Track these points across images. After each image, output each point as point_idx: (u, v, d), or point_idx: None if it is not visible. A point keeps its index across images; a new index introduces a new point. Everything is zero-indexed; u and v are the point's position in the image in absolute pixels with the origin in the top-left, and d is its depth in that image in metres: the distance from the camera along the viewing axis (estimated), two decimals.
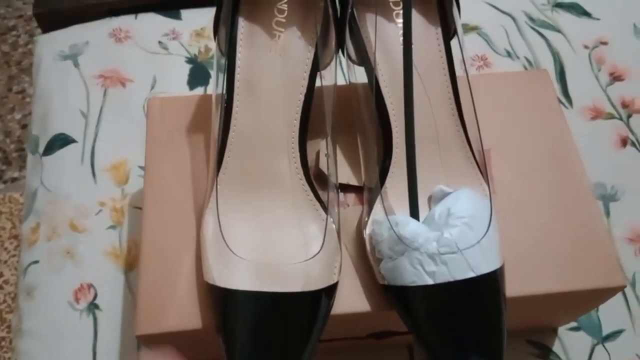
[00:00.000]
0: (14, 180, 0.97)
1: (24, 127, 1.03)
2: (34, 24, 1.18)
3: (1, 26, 1.20)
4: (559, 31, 0.54)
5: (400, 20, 0.32)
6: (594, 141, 0.47)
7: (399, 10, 0.32)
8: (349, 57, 0.33)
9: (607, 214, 0.44)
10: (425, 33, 0.32)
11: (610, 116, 0.49)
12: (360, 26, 0.31)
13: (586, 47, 0.53)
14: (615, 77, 0.51)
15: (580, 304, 0.35)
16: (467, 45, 0.33)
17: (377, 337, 0.36)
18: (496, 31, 0.53)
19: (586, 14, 0.55)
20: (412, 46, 0.28)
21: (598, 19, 0.54)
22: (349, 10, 0.30)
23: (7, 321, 0.84)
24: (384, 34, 0.31)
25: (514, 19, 0.54)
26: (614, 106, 0.49)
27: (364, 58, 0.31)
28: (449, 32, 0.32)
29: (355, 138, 0.34)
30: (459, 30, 0.31)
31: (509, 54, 0.52)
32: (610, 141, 0.47)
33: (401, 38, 0.31)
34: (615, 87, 0.50)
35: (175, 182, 0.34)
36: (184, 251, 0.31)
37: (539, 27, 0.54)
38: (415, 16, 0.31)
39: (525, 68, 0.51)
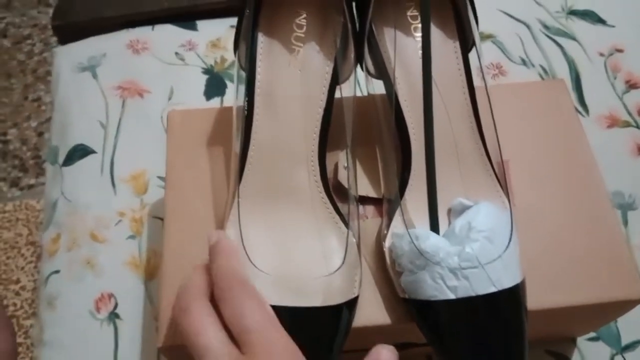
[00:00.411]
0: (30, 187, 0.99)
1: (40, 134, 1.05)
2: (49, 33, 1.20)
3: (16, 35, 1.22)
4: (574, 39, 0.53)
5: (418, 34, 0.32)
6: (611, 149, 0.47)
7: (416, 24, 0.32)
8: (368, 71, 0.33)
9: (625, 222, 0.44)
10: (444, 46, 0.32)
11: (627, 124, 0.48)
12: (378, 40, 0.32)
13: (601, 54, 0.52)
14: (631, 85, 0.50)
15: (600, 315, 0.35)
16: (483, 54, 0.33)
17: (397, 348, 0.36)
18: (511, 39, 0.53)
19: (601, 21, 0.55)
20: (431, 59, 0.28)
21: (613, 26, 0.54)
22: (368, 25, 0.31)
23: (25, 327, 0.85)
24: (402, 47, 0.31)
25: (528, 27, 0.54)
26: (630, 114, 0.49)
27: (382, 72, 0.32)
28: (467, 44, 0.32)
29: (374, 150, 0.34)
30: (477, 41, 0.32)
31: (524, 62, 0.52)
32: (627, 149, 0.47)
33: (419, 51, 0.31)
34: (632, 95, 0.50)
35: (196, 193, 0.34)
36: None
37: (554, 34, 0.54)
38: (434, 30, 0.31)
39: (541, 76, 0.51)
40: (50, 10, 1.27)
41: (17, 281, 0.89)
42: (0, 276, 0.89)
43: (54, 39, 1.21)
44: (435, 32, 0.31)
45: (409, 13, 0.32)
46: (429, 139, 0.29)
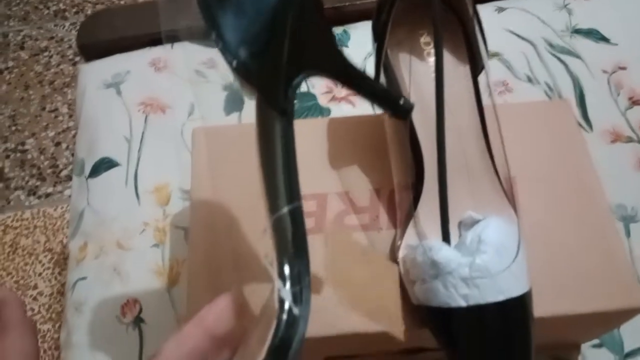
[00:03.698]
0: (47, 195, 1.01)
1: (58, 144, 1.08)
2: (66, 45, 1.24)
3: (34, 47, 1.26)
4: (578, 57, 0.55)
5: (430, 59, 0.34)
6: (615, 164, 0.49)
7: (429, 49, 0.34)
8: None
9: (628, 234, 0.46)
10: (455, 70, 0.34)
11: (630, 139, 0.50)
12: (393, 65, 0.34)
13: (605, 72, 0.54)
14: (634, 102, 0.52)
15: (603, 323, 0.37)
16: (490, 72, 0.35)
17: (409, 352, 0.38)
18: (517, 57, 0.55)
19: (604, 39, 0.57)
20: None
21: (616, 44, 0.56)
22: (384, 51, 0.33)
23: (42, 332, 0.87)
24: (416, 71, 0.34)
25: (533, 45, 0.56)
26: (633, 130, 0.51)
27: (397, 93, 0.34)
28: (476, 68, 0.34)
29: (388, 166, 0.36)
30: (486, 65, 0.34)
31: (529, 80, 0.54)
32: (630, 164, 0.49)
33: (432, 75, 0.33)
34: (634, 111, 0.52)
35: (220, 208, 0.36)
36: (228, 277, 0.34)
37: (559, 52, 0.56)
38: (446, 55, 0.33)
39: (546, 93, 0.53)
40: (67, 24, 1.31)
41: (35, 287, 0.91)
42: (19, 282, 0.91)
43: (71, 52, 1.24)
44: (447, 57, 0.34)
45: (422, 40, 0.34)
46: (441, 156, 0.31)
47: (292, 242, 0.22)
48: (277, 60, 0.24)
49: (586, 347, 0.41)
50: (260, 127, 0.24)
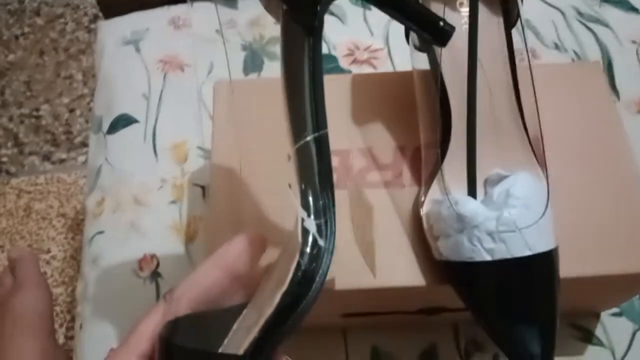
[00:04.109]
0: (62, 161, 1.02)
1: (72, 111, 1.08)
2: (81, 12, 1.23)
3: (49, 14, 1.25)
4: (606, 26, 0.54)
5: (463, 10, 0.33)
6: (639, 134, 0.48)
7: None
8: (414, 44, 0.34)
9: None
10: (488, 22, 0.33)
11: None
12: None
13: (634, 42, 0.53)
14: None
15: (623, 288, 0.36)
16: (516, 38, 0.34)
17: (427, 312, 0.37)
18: (545, 25, 0.54)
19: (633, 9, 0.55)
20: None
21: None
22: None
23: (55, 295, 0.88)
24: (448, 21, 0.33)
25: (562, 13, 0.55)
26: None
27: (427, 45, 0.33)
28: (510, 20, 0.33)
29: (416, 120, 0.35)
30: (522, 17, 0.33)
31: (557, 47, 0.53)
32: None
33: (464, 26, 0.33)
34: None
35: (242, 161, 0.36)
36: (247, 228, 0.33)
37: (587, 21, 0.54)
38: (479, 6, 0.32)
39: (573, 61, 0.52)
40: None
41: (48, 251, 0.92)
42: (32, 246, 0.92)
43: (86, 19, 1.24)
44: (481, 8, 0.32)
45: None
46: (472, 111, 0.30)
47: (317, 172, 0.21)
48: None
49: (605, 316, 0.41)
50: (286, 46, 0.23)
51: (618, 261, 0.32)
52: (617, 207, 0.34)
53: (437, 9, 0.33)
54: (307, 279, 0.20)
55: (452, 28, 0.24)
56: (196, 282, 0.24)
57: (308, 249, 0.20)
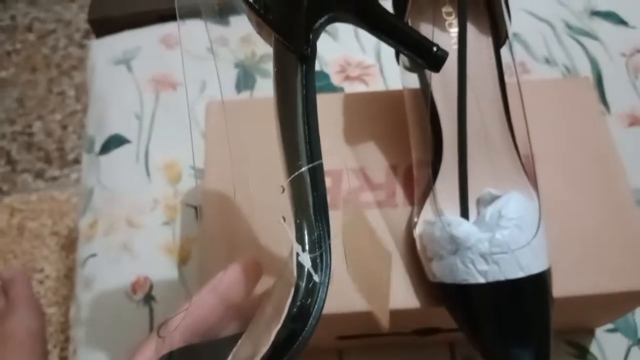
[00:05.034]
0: (54, 178, 1.01)
1: (65, 127, 1.07)
2: (73, 28, 1.23)
3: (41, 30, 1.25)
4: (596, 39, 0.54)
5: (452, 30, 0.33)
6: (632, 147, 0.48)
7: (451, 20, 0.33)
8: (404, 65, 0.35)
9: None
10: (477, 41, 0.33)
11: None
12: None
13: (623, 55, 0.53)
14: None
15: (619, 305, 0.36)
16: (506, 52, 0.34)
17: (421, 333, 0.37)
18: (534, 38, 0.54)
19: (623, 22, 0.56)
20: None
21: (634, 27, 0.55)
22: (406, 21, 0.32)
23: (48, 315, 0.87)
24: (437, 42, 0.33)
25: (552, 26, 0.55)
26: None
27: (417, 65, 0.33)
28: (499, 40, 0.33)
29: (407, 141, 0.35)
30: (510, 36, 0.33)
31: (547, 61, 0.53)
32: None
33: (454, 46, 0.33)
34: None
35: (234, 183, 0.36)
36: (241, 252, 0.33)
37: (577, 34, 0.55)
38: (468, 26, 0.32)
39: (564, 75, 0.52)
40: (75, 6, 1.30)
41: (42, 270, 0.91)
42: (26, 265, 0.91)
43: (78, 34, 1.24)
44: (470, 28, 0.33)
45: (443, 9, 0.33)
46: (462, 130, 0.30)
47: (312, 203, 0.21)
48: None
49: (600, 332, 0.41)
50: (279, 75, 0.22)
51: (612, 279, 0.32)
52: (610, 224, 0.34)
53: (426, 29, 0.33)
54: (303, 315, 0.20)
55: (446, 54, 0.24)
56: (191, 312, 0.24)
57: (303, 284, 0.20)
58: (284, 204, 0.21)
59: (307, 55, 0.22)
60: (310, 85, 0.22)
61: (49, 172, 1.02)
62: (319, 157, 0.21)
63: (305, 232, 0.20)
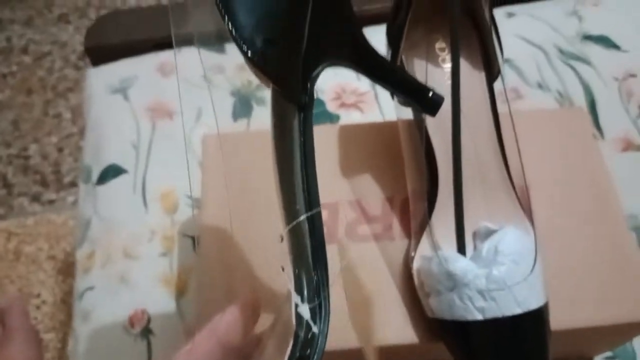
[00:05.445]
0: (51, 202, 1.01)
1: (61, 150, 1.07)
2: (69, 50, 1.23)
3: (37, 52, 1.25)
4: (588, 63, 0.55)
5: (445, 65, 0.34)
6: (626, 173, 0.48)
7: (444, 55, 0.34)
8: (398, 100, 0.35)
9: None
10: (470, 76, 0.33)
11: None
12: (408, 70, 0.33)
13: (616, 79, 0.54)
14: None
15: (616, 335, 0.36)
16: (498, 80, 0.35)
17: None
18: (527, 64, 0.55)
19: (615, 46, 0.56)
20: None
21: (627, 51, 0.56)
22: (399, 56, 0.33)
23: (45, 341, 0.87)
24: (431, 77, 0.33)
25: (544, 51, 0.56)
26: None
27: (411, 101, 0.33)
28: (492, 74, 0.34)
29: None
30: (502, 72, 0.33)
31: (540, 86, 0.53)
32: None
33: (447, 81, 0.33)
34: None
35: (231, 217, 0.36)
36: (239, 285, 0.33)
37: (569, 59, 0.55)
38: (461, 61, 0.33)
39: (557, 100, 0.53)
40: (70, 28, 1.31)
41: (38, 295, 0.90)
42: (22, 290, 0.91)
43: (74, 56, 1.24)
44: (463, 63, 0.33)
45: (436, 45, 0.34)
46: (457, 167, 0.30)
47: (310, 252, 0.21)
48: (296, 48, 0.22)
49: None
50: (277, 123, 0.22)
51: (610, 310, 0.32)
52: (607, 255, 0.34)
53: (419, 65, 0.33)
54: None
55: (441, 98, 0.24)
56: (190, 354, 0.24)
57: (302, 334, 0.20)
58: (283, 258, 0.21)
59: (305, 104, 0.22)
60: (308, 132, 0.22)
61: (46, 196, 1.02)
62: (317, 205, 0.22)
63: (304, 281, 0.21)
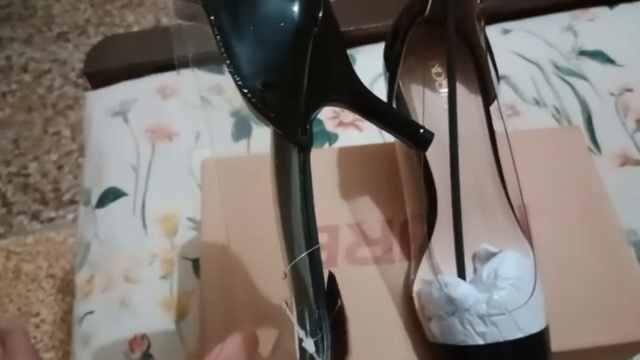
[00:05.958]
0: (50, 220, 1.01)
1: (60, 167, 1.07)
2: (69, 68, 1.24)
3: (36, 70, 1.26)
4: (584, 79, 0.55)
5: (442, 90, 0.34)
6: (624, 188, 0.48)
7: (441, 80, 0.34)
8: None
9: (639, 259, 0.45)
10: (467, 100, 0.34)
11: (639, 162, 0.50)
12: (405, 95, 0.34)
13: (612, 94, 0.54)
14: None
15: (619, 354, 0.36)
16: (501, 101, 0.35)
17: None
18: (523, 80, 0.55)
19: (610, 61, 0.57)
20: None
21: (622, 66, 0.56)
22: (397, 81, 0.33)
23: None
24: (428, 102, 0.33)
25: (540, 67, 0.56)
26: None
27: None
28: (488, 98, 0.34)
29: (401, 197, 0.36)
30: (498, 95, 0.34)
31: (537, 102, 0.54)
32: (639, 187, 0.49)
33: (444, 106, 0.33)
34: None
35: (232, 243, 0.36)
36: (244, 313, 0.33)
37: (565, 75, 0.56)
38: (458, 86, 0.33)
39: (554, 116, 0.53)
40: (70, 46, 1.32)
41: (38, 314, 0.90)
42: (21, 309, 0.90)
43: (74, 74, 1.25)
44: (459, 88, 0.33)
45: (433, 70, 0.34)
46: (456, 191, 0.31)
47: (311, 284, 0.22)
48: (297, 92, 0.23)
49: None
50: (278, 162, 0.23)
51: (610, 330, 0.32)
52: (605, 273, 0.34)
53: (416, 90, 0.34)
54: None
55: (431, 135, 0.25)
56: None
57: None
58: (287, 294, 0.22)
59: (305, 144, 0.23)
60: (307, 171, 0.23)
61: (45, 214, 1.02)
62: (317, 242, 0.22)
63: (307, 317, 0.21)
